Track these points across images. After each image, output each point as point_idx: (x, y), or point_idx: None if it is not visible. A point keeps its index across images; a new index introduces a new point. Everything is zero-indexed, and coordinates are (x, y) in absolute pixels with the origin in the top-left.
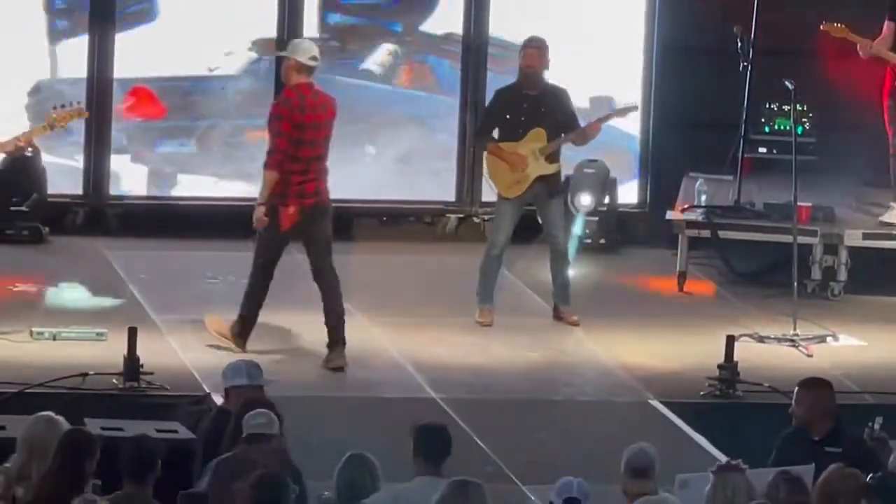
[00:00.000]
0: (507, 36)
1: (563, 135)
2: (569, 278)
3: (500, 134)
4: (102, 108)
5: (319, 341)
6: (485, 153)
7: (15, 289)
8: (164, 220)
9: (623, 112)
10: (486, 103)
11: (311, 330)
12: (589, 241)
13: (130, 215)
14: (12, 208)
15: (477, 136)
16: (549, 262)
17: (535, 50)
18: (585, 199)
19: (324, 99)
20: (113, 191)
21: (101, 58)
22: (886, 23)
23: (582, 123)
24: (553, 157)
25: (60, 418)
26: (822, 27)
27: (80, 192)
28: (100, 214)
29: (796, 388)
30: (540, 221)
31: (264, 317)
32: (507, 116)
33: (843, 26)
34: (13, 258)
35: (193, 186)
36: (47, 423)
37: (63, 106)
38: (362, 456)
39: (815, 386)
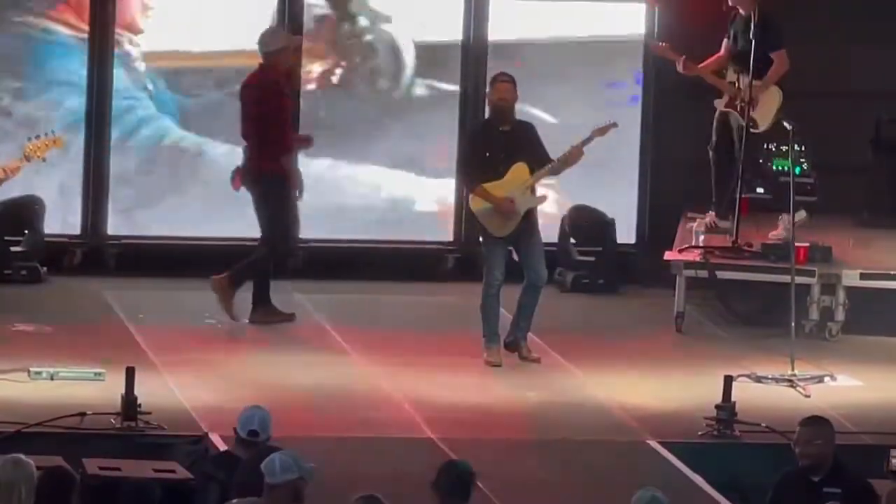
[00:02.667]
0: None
1: (545, 166)
2: (533, 315)
3: (482, 172)
4: (100, 148)
5: (318, 381)
6: (471, 196)
7: (13, 329)
8: (162, 260)
9: (603, 131)
10: (462, 142)
11: (307, 370)
12: (587, 281)
13: (129, 255)
14: (11, 248)
15: (464, 178)
16: (520, 294)
17: (508, 84)
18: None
19: (249, 79)
20: (111, 230)
21: (99, 97)
22: (724, 42)
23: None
24: (535, 189)
25: (29, 459)
26: (646, 43)
27: (77, 231)
28: (98, 254)
29: (798, 427)
30: (517, 256)
31: (262, 357)
32: (487, 154)
33: (665, 45)
34: (11, 298)
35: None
36: (15, 465)
37: (38, 137)
38: (374, 497)
39: (818, 424)
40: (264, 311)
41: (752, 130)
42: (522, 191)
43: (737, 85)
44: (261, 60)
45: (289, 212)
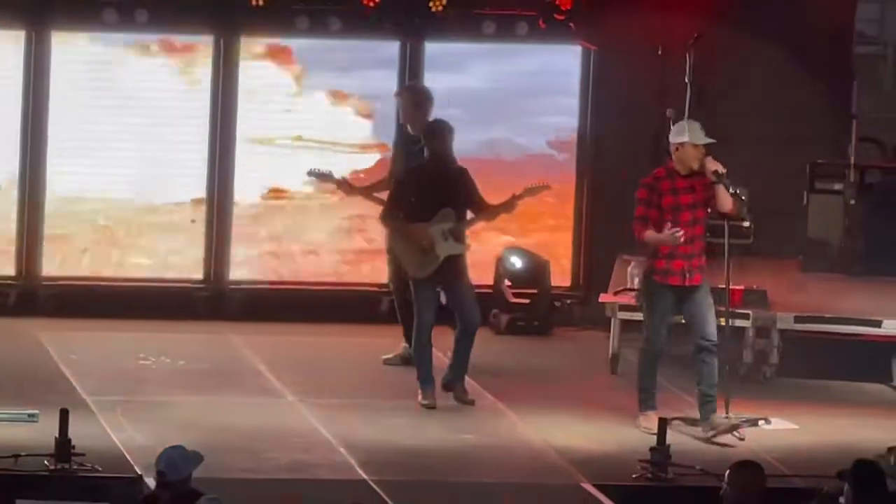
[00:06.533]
0: None
1: (471, 214)
2: (469, 358)
3: (410, 215)
4: (36, 186)
5: (252, 423)
6: (393, 236)
7: None
8: (97, 301)
9: (534, 191)
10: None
11: (242, 412)
12: (522, 323)
13: (64, 296)
14: None
15: (385, 217)
16: (455, 338)
17: (451, 134)
18: None
19: None
20: (46, 272)
21: (35, 131)
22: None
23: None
24: (461, 237)
25: None
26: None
27: (12, 273)
28: (32, 296)
29: (728, 470)
30: (445, 302)
31: (197, 399)
32: (414, 198)
33: (328, 172)
34: None
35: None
36: None
37: None
38: None
39: (748, 468)
40: None
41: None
42: (445, 236)
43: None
44: None
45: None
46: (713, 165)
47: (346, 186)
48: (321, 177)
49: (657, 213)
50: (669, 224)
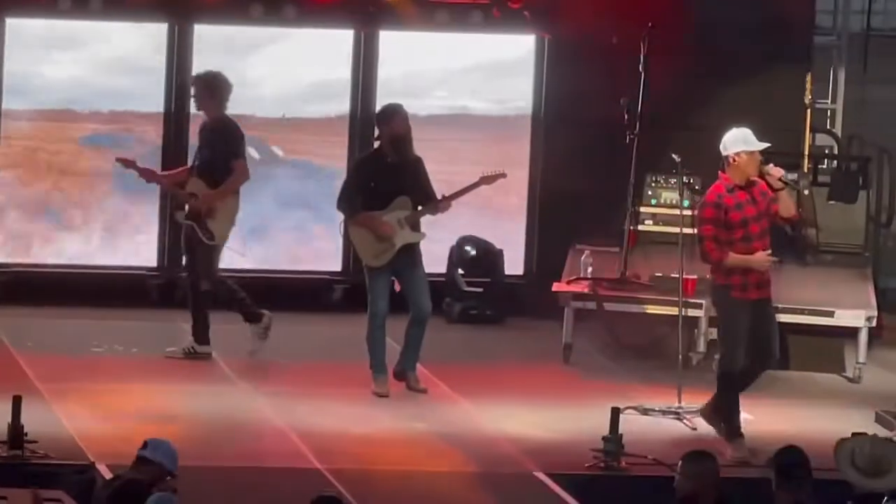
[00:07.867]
0: None
1: (428, 203)
2: (421, 346)
3: (365, 202)
4: None
5: (204, 411)
6: (350, 224)
7: None
8: (49, 288)
9: (490, 179)
10: (348, 171)
11: (194, 400)
12: (475, 312)
13: (15, 283)
14: None
15: (342, 205)
16: (407, 327)
17: (405, 118)
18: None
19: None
20: None
21: None
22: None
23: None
24: (417, 226)
25: None
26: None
27: None
28: None
29: (681, 461)
30: (399, 289)
31: (149, 387)
32: (372, 185)
33: (131, 160)
34: None
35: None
36: None
37: None
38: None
39: (700, 459)
40: None
41: (208, 243)
42: (402, 224)
43: (199, 196)
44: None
45: None
46: (777, 172)
47: (149, 174)
48: (126, 163)
49: (725, 231)
50: (741, 238)
